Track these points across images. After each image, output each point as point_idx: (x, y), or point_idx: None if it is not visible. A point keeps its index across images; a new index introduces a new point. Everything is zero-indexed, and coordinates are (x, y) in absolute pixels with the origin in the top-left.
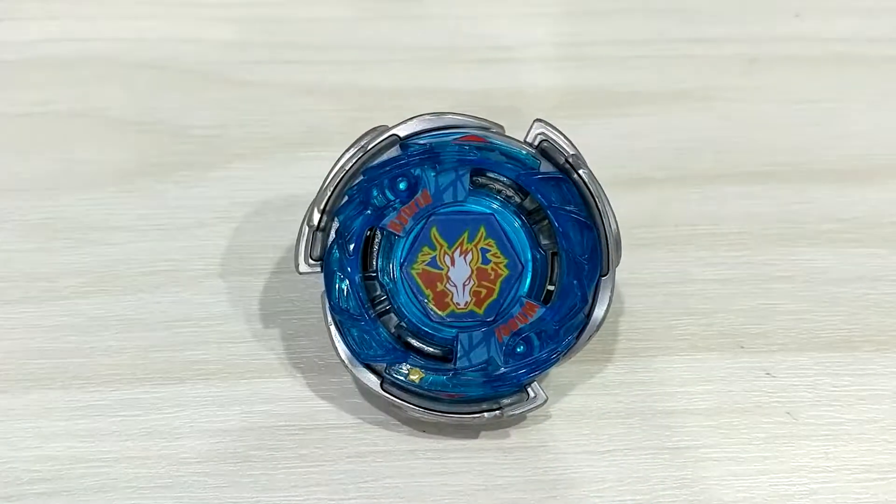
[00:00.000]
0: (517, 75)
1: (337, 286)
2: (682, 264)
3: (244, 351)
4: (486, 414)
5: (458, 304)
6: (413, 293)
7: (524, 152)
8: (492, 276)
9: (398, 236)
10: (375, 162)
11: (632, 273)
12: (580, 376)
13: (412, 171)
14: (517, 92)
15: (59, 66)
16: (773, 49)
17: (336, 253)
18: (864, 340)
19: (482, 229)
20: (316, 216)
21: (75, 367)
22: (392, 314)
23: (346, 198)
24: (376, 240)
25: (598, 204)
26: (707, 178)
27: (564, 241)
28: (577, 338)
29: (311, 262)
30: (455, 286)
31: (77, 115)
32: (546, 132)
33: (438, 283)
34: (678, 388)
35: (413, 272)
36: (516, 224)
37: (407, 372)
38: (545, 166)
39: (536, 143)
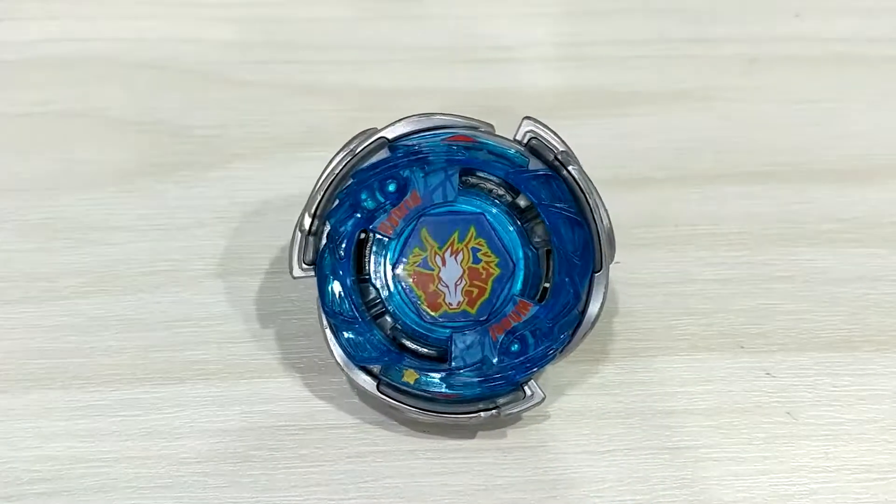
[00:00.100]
0: (517, 75)
1: (330, 290)
2: (682, 264)
3: (244, 351)
4: (482, 414)
5: (451, 305)
6: (405, 295)
7: (513, 150)
8: (483, 276)
9: (389, 238)
10: (364, 165)
11: (632, 273)
12: (580, 376)
13: (401, 172)
14: (517, 92)
15: (59, 66)
16: (773, 49)
17: (328, 257)
18: (864, 340)
19: (472, 229)
20: (307, 221)
21: (75, 367)
22: (387, 316)
23: (336, 201)
24: (369, 242)
25: (589, 200)
26: (707, 178)
27: (556, 239)
28: (573, 335)
29: (304, 266)
30: (447, 286)
31: (77, 115)
32: (535, 129)
33: (430, 284)
34: (678, 388)
35: (405, 274)
36: (507, 223)
37: (401, 374)
38: (535, 164)
39: (526, 140)
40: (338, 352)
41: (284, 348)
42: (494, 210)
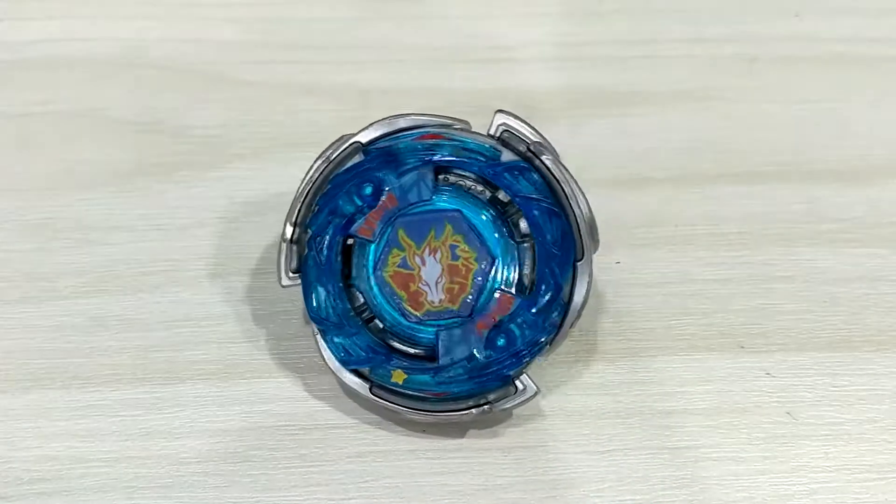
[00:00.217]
0: (517, 75)
1: (314, 296)
2: (682, 264)
3: (244, 351)
4: (473, 410)
5: (433, 303)
6: (388, 296)
7: (485, 144)
8: (463, 272)
9: (369, 241)
10: (340, 171)
11: (632, 273)
12: (580, 376)
13: (375, 175)
14: (517, 92)
15: (59, 66)
16: (773, 49)
17: (311, 264)
18: (864, 340)
19: (448, 226)
20: (288, 230)
21: (75, 367)
22: (377, 319)
23: (315, 208)
24: (355, 247)
25: (565, 189)
26: (707, 178)
27: (534, 230)
28: (559, 326)
29: (291, 275)
30: (428, 285)
31: (77, 115)
32: (508, 122)
33: (411, 284)
34: (678, 388)
35: (385, 275)
36: (486, 217)
37: (390, 374)
38: (508, 156)
39: (498, 133)
40: (328, 356)
41: (284, 348)
42: (472, 206)
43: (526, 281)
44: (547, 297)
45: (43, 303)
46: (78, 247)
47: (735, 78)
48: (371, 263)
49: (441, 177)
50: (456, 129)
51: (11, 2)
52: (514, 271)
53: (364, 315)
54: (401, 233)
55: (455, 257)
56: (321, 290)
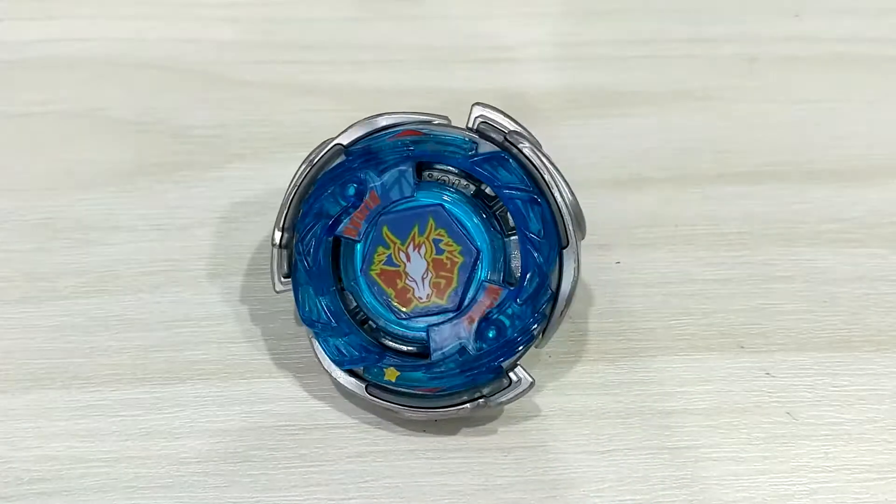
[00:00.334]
0: (517, 75)
1: (304, 299)
2: (682, 264)
3: (244, 351)
4: (468, 405)
5: (421, 298)
6: (377, 295)
7: (462, 137)
8: (448, 266)
9: (356, 241)
10: (322, 173)
11: (632, 273)
12: (580, 376)
13: (357, 174)
14: (517, 92)
15: (59, 66)
16: (773, 49)
17: (300, 267)
18: (864, 340)
19: (431, 220)
20: (277, 235)
21: (75, 367)
22: (370, 320)
23: (301, 212)
24: (343, 248)
25: (545, 176)
26: (707, 178)
27: (517, 219)
28: (550, 315)
29: (283, 279)
30: (414, 281)
31: (77, 115)
32: (485, 113)
33: (398, 281)
34: (678, 387)
35: (373, 274)
36: (469, 210)
37: (382, 373)
38: (485, 147)
39: (476, 126)
40: (323, 357)
41: (284, 348)
42: (456, 200)
43: (515, 273)
44: (533, 286)
45: (43, 303)
46: (78, 247)
47: (735, 78)
48: (358, 263)
49: (425, 173)
50: (435, 124)
51: (11, 2)
52: (501, 263)
53: (358, 316)
54: (385, 230)
55: (439, 251)
56: (312, 292)
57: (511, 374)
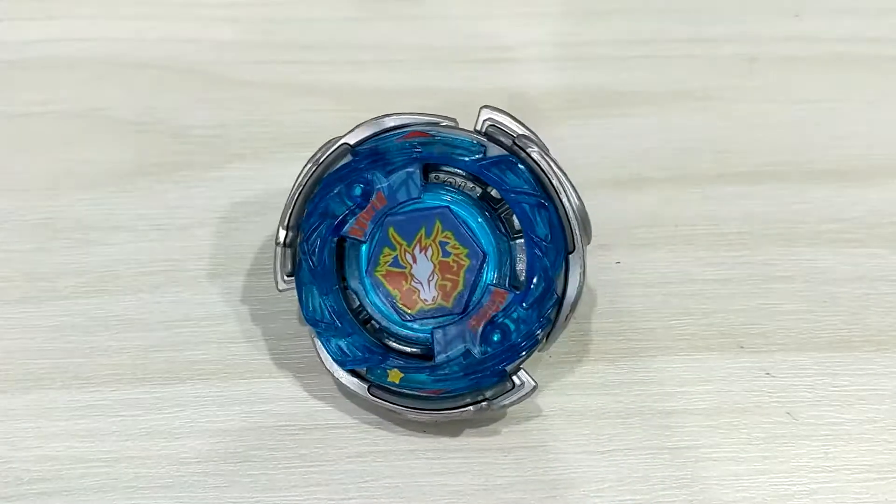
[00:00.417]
0: (517, 75)
1: (308, 298)
2: (682, 264)
3: (244, 351)
4: (471, 407)
5: (426, 301)
6: (381, 296)
7: (470, 140)
8: (454, 268)
9: (361, 242)
10: (328, 172)
11: (632, 273)
12: (580, 376)
13: (363, 175)
14: (517, 92)
15: (59, 66)
16: (773, 49)
17: (304, 267)
18: (864, 340)
19: (438, 223)
20: (282, 234)
21: (75, 367)
22: (373, 320)
23: (306, 211)
24: (348, 248)
25: (553, 181)
26: (707, 178)
27: (524, 223)
28: (554, 320)
29: (286, 278)
30: (420, 283)
31: (77, 115)
32: (493, 116)
33: (404, 282)
34: (678, 387)
35: (378, 275)
36: (475, 213)
37: (386, 374)
38: (494, 151)
39: (484, 129)
40: (326, 357)
41: (284, 348)
42: (462, 203)
43: (521, 276)
44: (539, 291)
45: (43, 303)
46: (78, 247)
47: (735, 78)
48: (364, 264)
49: (432, 175)
50: (443, 126)
51: (11, 2)
52: (507, 266)
53: (361, 316)
54: (391, 231)
55: (446, 254)
56: (315, 292)
57: (514, 378)
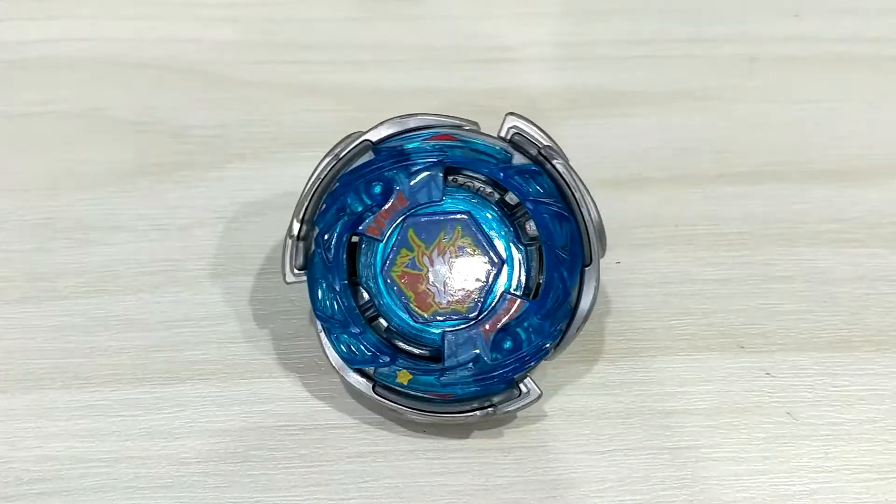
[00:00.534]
0: (517, 75)
1: (320, 294)
2: (682, 264)
3: (244, 351)
4: (478, 412)
5: (441, 304)
6: (395, 296)
7: (496, 147)
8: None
9: (377, 240)
10: (349, 168)
11: (632, 273)
12: (580, 376)
13: (385, 174)
14: (517, 92)
15: (59, 66)
16: (773, 49)
17: (318, 261)
18: (864, 340)
19: (458, 228)
20: (296, 226)
21: (75, 367)
22: (381, 318)
23: (323, 206)
24: (360, 245)
25: (575, 194)
26: (707, 178)
27: (543, 234)
28: (565, 330)
29: (296, 271)
30: (436, 286)
31: (77, 115)
32: (518, 125)
33: (419, 284)
34: (678, 387)
35: (394, 275)
36: (494, 220)
37: (395, 375)
38: (519, 159)
39: (509, 136)
40: (332, 354)
41: (284, 348)
42: (481, 208)
43: (532, 284)
44: (554, 302)
45: (43, 303)
46: (78, 247)
47: (735, 78)
48: (379, 263)
49: (450, 178)
50: (466, 130)
51: (11, 2)
52: (522, 275)
53: (368, 314)
54: (410, 233)
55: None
56: (327, 287)
57: (521, 385)
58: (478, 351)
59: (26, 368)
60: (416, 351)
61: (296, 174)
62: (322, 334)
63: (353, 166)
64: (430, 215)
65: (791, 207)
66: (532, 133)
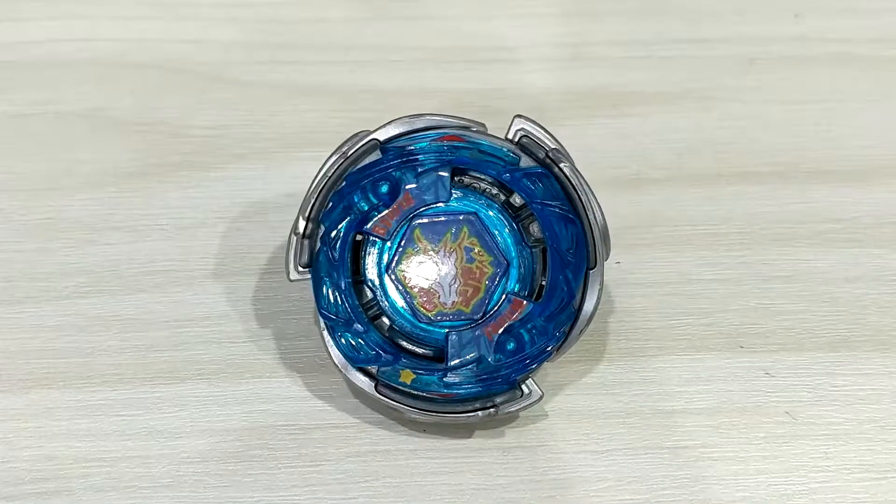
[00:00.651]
0: (517, 75)
1: (325, 292)
2: (682, 264)
3: (244, 351)
4: (479, 413)
5: (446, 304)
6: (400, 296)
7: (504, 149)
8: (477, 275)
9: (383, 239)
10: (356, 167)
11: (632, 273)
12: (580, 376)
13: (392, 174)
14: (517, 92)
15: (59, 66)
16: (773, 49)
17: (323, 259)
18: (864, 340)
19: (465, 229)
20: (301, 224)
21: (76, 367)
22: (384, 317)
23: (330, 204)
24: (365, 244)
25: (581, 197)
26: (707, 178)
27: (549, 236)
28: (569, 332)
29: (300, 269)
30: (441, 286)
31: (77, 115)
32: (526, 127)
33: (424, 284)
34: (678, 387)
35: (400, 274)
36: (500, 222)
37: (398, 374)
38: (526, 162)
39: (517, 139)
40: (335, 353)
41: (285, 348)
42: (487, 209)
43: (537, 286)
44: (558, 304)
45: (44, 303)
46: (79, 247)
47: (735, 78)
48: (385, 262)
49: (457, 178)
50: (474, 131)
51: (11, 2)
52: (528, 276)
53: (371, 312)
54: (417, 233)
55: (470, 260)
56: (332, 285)
57: (523, 386)
58: (481, 352)
59: (27, 368)
60: (420, 350)
61: (296, 174)
62: (325, 332)
63: (361, 165)
64: (437, 215)
65: (791, 207)
66: (539, 136)
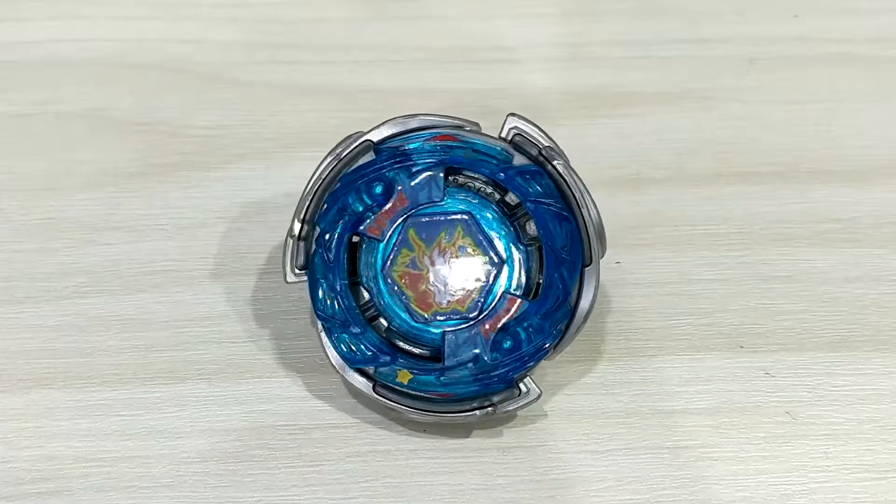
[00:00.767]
0: (517, 76)
1: (321, 293)
2: (682, 264)
3: (245, 351)
4: (477, 412)
5: (441, 304)
6: (396, 296)
7: (497, 147)
8: (472, 274)
9: (378, 240)
10: (350, 168)
11: (632, 273)
12: (580, 376)
13: (386, 174)
14: (517, 92)
15: (59, 66)
16: (773, 49)
17: (318, 261)
18: (864, 340)
19: (459, 228)
20: (296, 226)
21: (76, 367)
22: (381, 318)
23: (324, 206)
24: (361, 245)
25: (575, 194)
26: (707, 178)
27: (544, 234)
28: (565, 330)
29: (297, 271)
30: (436, 286)
31: (77, 115)
32: (519, 125)
33: (420, 284)
34: (678, 387)
35: (394, 275)
36: (495, 221)
37: (395, 374)
38: (519, 160)
39: (510, 137)
40: (332, 354)
41: (285, 348)
42: (482, 208)
43: (532, 284)
44: (554, 302)
45: (44, 303)
46: (78, 247)
47: (735, 78)
48: (379, 262)
49: (451, 178)
50: (467, 130)
51: (11, 2)
52: (522, 275)
53: (368, 313)
54: (411, 233)
55: (465, 259)
56: (328, 287)
57: (521, 385)
58: (478, 351)
59: (27, 368)
60: (417, 351)
61: (296, 174)
62: (322, 334)
63: (355, 166)
64: (431, 215)
65: (791, 207)
66: (533, 134)
